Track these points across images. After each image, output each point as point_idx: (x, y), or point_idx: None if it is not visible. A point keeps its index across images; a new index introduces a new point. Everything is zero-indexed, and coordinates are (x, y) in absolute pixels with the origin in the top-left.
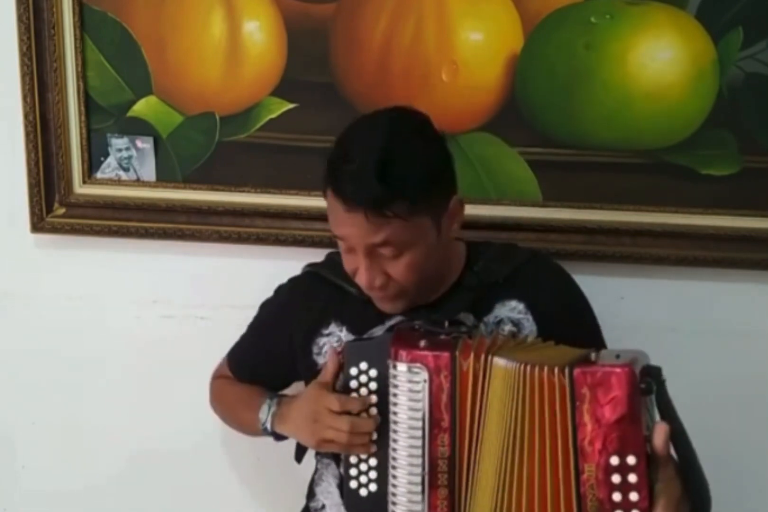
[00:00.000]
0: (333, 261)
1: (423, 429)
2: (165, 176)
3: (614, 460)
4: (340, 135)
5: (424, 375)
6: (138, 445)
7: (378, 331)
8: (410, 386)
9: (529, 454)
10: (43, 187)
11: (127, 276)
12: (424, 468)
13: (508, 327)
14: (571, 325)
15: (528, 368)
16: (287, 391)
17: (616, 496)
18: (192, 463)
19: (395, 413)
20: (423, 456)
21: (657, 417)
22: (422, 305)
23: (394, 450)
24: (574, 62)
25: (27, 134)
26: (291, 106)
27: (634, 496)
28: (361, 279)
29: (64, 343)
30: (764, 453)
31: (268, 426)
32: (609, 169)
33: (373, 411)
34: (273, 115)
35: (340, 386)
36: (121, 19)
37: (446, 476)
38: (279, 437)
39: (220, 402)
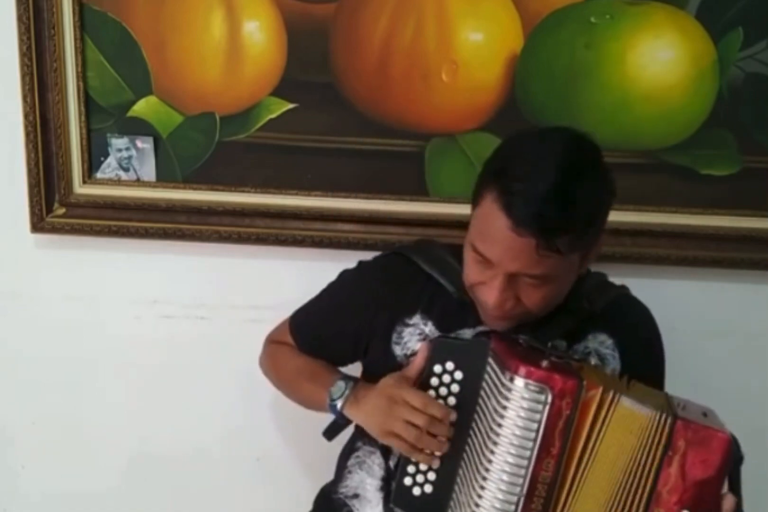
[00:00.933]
0: (428, 249)
1: (532, 450)
2: (165, 176)
3: None
4: (508, 145)
5: (548, 397)
6: (138, 445)
7: (466, 334)
8: (524, 403)
9: (611, 483)
10: (43, 187)
11: (127, 276)
12: (522, 489)
13: (594, 360)
14: (648, 372)
15: (628, 404)
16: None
17: None
18: (192, 463)
19: (499, 425)
20: (525, 476)
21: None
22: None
23: (489, 461)
24: (574, 62)
25: (27, 134)
26: (291, 106)
27: None
28: (489, 299)
29: (64, 343)
30: (764, 452)
31: (339, 404)
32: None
33: (451, 406)
34: (273, 115)
35: (421, 381)
36: (121, 19)
37: (542, 501)
38: (342, 418)
39: (278, 368)
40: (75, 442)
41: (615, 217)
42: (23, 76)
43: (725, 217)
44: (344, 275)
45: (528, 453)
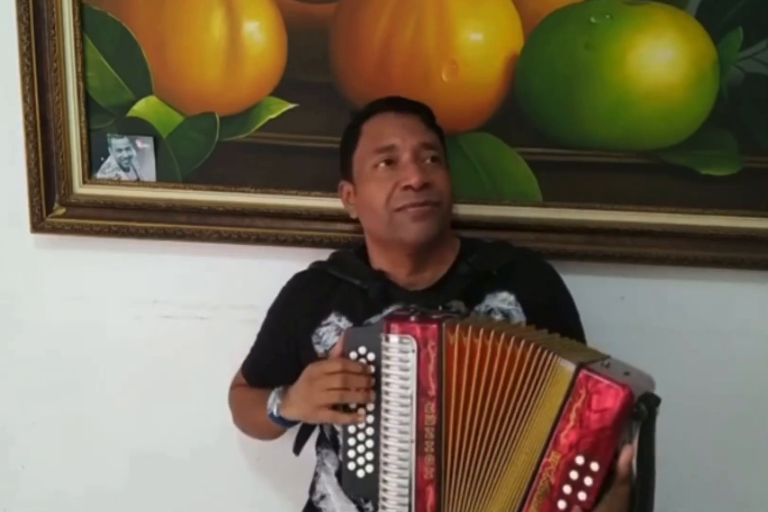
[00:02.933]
0: (337, 259)
1: (411, 397)
2: (165, 176)
3: (579, 459)
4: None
5: (413, 344)
6: (138, 445)
7: (376, 320)
8: (400, 356)
9: (508, 426)
10: (43, 187)
11: (127, 276)
12: (412, 435)
13: (498, 317)
14: (557, 318)
15: (535, 349)
16: None
17: (567, 489)
18: (192, 463)
19: (387, 383)
20: (411, 423)
21: (636, 439)
22: (416, 291)
23: (386, 419)
24: (574, 62)
25: (27, 134)
26: (291, 106)
27: (582, 495)
28: (412, 177)
29: (64, 343)
30: (764, 452)
31: (274, 410)
32: (609, 169)
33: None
34: (273, 115)
35: None
36: (121, 19)
37: (433, 443)
38: (286, 423)
39: (237, 410)
40: (75, 442)
41: (615, 217)
42: (23, 76)
43: (725, 217)
44: (269, 310)
45: (408, 400)
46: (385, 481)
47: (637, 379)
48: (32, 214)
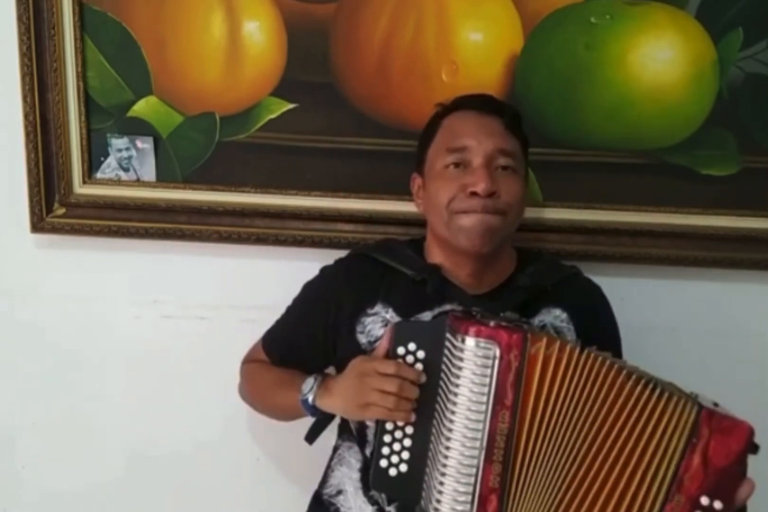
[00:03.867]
0: (387, 246)
1: (487, 403)
2: (165, 176)
3: (704, 500)
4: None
5: (496, 351)
6: (138, 445)
7: (426, 316)
8: (477, 360)
9: (614, 462)
10: (43, 187)
11: (127, 276)
12: (482, 442)
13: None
14: (603, 342)
15: (650, 386)
16: None
17: None
18: (192, 463)
19: (457, 385)
20: (483, 430)
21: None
22: (473, 295)
23: (451, 421)
24: (574, 62)
25: (27, 134)
26: (291, 106)
27: None
28: (479, 184)
29: (64, 343)
30: (763, 453)
31: (310, 397)
32: (609, 169)
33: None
34: (273, 115)
35: None
36: (121, 19)
37: (502, 452)
38: (317, 413)
39: (252, 384)
40: (75, 442)
41: (615, 217)
42: (23, 76)
43: (725, 217)
44: (306, 285)
45: (483, 407)
46: (441, 484)
47: (726, 409)
48: (32, 214)
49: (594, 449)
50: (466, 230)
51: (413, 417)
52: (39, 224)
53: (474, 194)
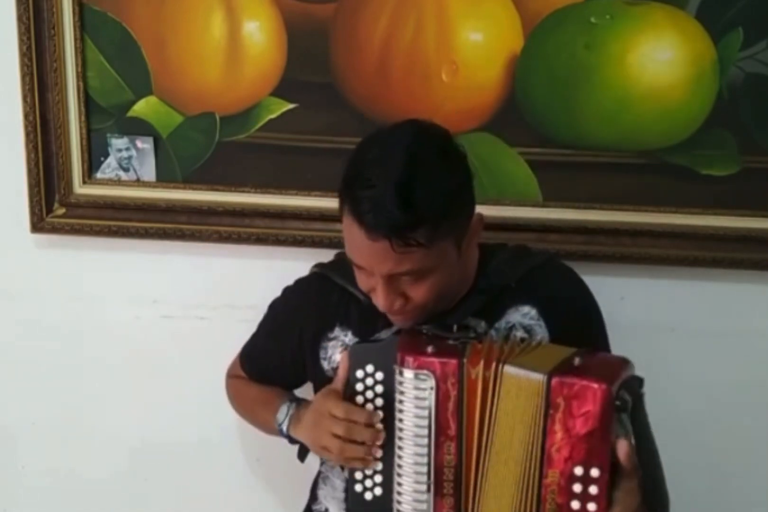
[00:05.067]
0: (342, 263)
1: (429, 436)
2: (165, 176)
3: (578, 470)
4: (356, 151)
5: (431, 382)
6: (138, 445)
7: (384, 335)
8: (416, 393)
9: (507, 457)
10: (43, 187)
11: (127, 276)
12: (429, 477)
13: (519, 333)
14: (582, 333)
15: (501, 369)
16: (300, 391)
17: (575, 504)
18: (192, 464)
19: (401, 420)
20: (429, 464)
21: (630, 429)
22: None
23: (400, 457)
24: (574, 62)
25: (27, 134)
26: (291, 106)
27: (592, 506)
28: (379, 302)
29: (64, 343)
30: (763, 452)
31: (284, 428)
32: (609, 169)
33: (378, 424)
34: (273, 115)
35: (347, 389)
36: (121, 19)
37: (452, 485)
38: (293, 440)
39: (238, 401)
40: (75, 442)
41: (615, 217)
42: (23, 76)
43: (725, 217)
44: (272, 305)
45: (425, 440)
46: None
47: (612, 366)
48: (32, 214)
49: (503, 451)
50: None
51: (372, 466)
52: (39, 224)
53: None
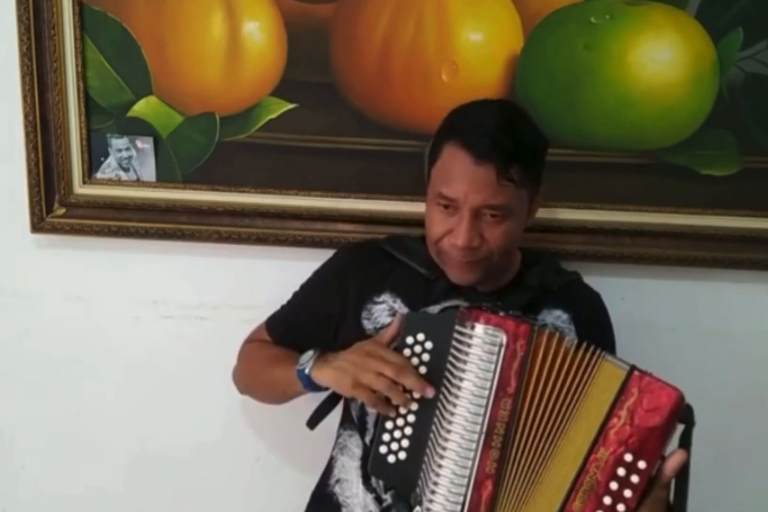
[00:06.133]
0: (401, 242)
1: (490, 389)
2: (165, 176)
3: (628, 457)
4: (452, 113)
5: (503, 339)
6: (138, 445)
7: (434, 310)
8: (484, 347)
9: (568, 429)
10: (43, 187)
11: (127, 276)
12: (482, 428)
13: None
14: (599, 343)
15: (596, 358)
16: None
17: (613, 485)
18: (192, 463)
19: (463, 370)
20: (484, 415)
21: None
22: (484, 292)
23: (455, 405)
24: (574, 62)
25: (27, 134)
26: (291, 106)
27: (627, 493)
28: (459, 239)
29: (63, 343)
30: (763, 452)
31: (307, 368)
32: (609, 169)
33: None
34: (273, 115)
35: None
36: (121, 19)
37: (501, 439)
38: (310, 385)
39: (248, 360)
40: (75, 442)
41: (615, 217)
42: (23, 76)
43: (725, 217)
44: (318, 269)
45: (486, 392)
46: (440, 466)
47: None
48: (32, 214)
49: (552, 420)
50: (450, 268)
51: (393, 413)
52: (39, 224)
53: (455, 245)
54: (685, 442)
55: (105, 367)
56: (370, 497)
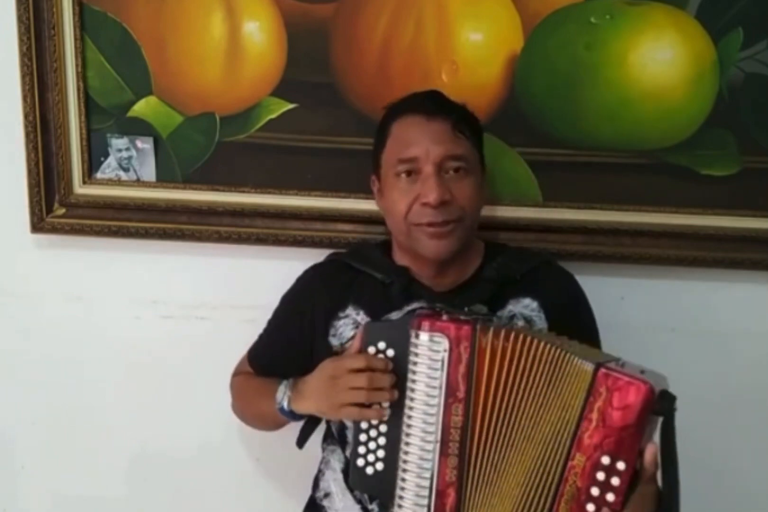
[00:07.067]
0: (358, 251)
1: (439, 396)
2: (165, 176)
3: (605, 459)
4: (386, 106)
5: (445, 344)
6: (138, 445)
7: (395, 316)
8: (430, 354)
9: (525, 428)
10: (43, 187)
11: (127, 277)
12: (437, 436)
13: (520, 323)
14: (576, 325)
15: (557, 351)
16: None
17: (594, 491)
18: (192, 463)
19: (414, 381)
20: (437, 423)
21: (656, 439)
22: (440, 292)
23: (410, 417)
24: (575, 62)
25: (27, 134)
26: (291, 106)
27: (610, 497)
28: (429, 196)
29: (63, 343)
30: (763, 452)
31: (285, 404)
32: (609, 169)
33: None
34: (273, 115)
35: None
36: (121, 19)
37: (458, 445)
38: (296, 417)
39: (239, 397)
40: (75, 442)
41: (615, 217)
42: (23, 76)
43: (725, 217)
44: (283, 295)
45: (436, 400)
46: (403, 480)
47: (652, 377)
48: (32, 214)
49: (516, 423)
50: (425, 240)
51: (387, 414)
52: (39, 224)
53: (427, 204)
54: (666, 434)
55: (105, 367)
56: (357, 508)
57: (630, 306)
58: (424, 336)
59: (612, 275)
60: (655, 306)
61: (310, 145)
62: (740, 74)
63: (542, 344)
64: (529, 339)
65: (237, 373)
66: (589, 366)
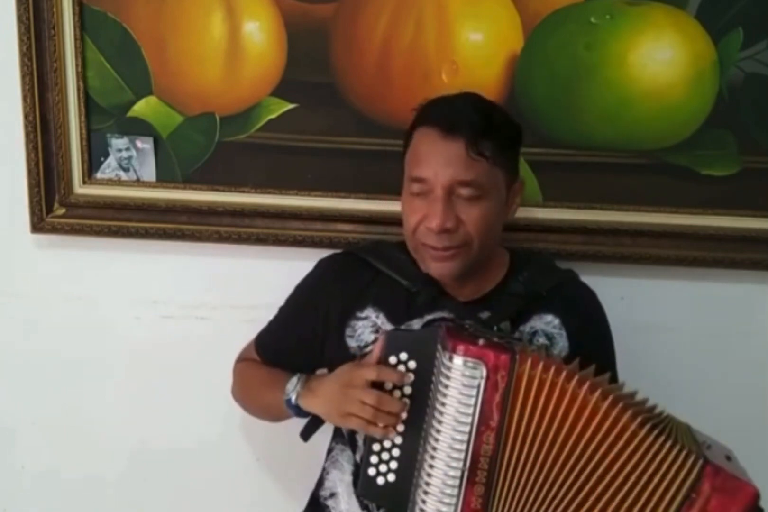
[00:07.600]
0: (380, 251)
1: (471, 424)
2: (165, 176)
3: None
4: (422, 104)
5: (482, 371)
6: (138, 445)
7: (416, 324)
8: (464, 380)
9: (604, 498)
10: (43, 187)
11: (127, 277)
12: (465, 463)
13: (542, 340)
14: (595, 350)
15: (654, 432)
16: None
17: None
18: (192, 463)
19: (443, 404)
20: (467, 450)
21: None
22: (464, 302)
23: (436, 440)
24: (575, 62)
25: (27, 134)
26: (291, 106)
27: None
28: (434, 221)
29: (63, 343)
30: (763, 452)
31: (293, 397)
32: (609, 169)
33: (406, 395)
34: (273, 115)
35: None
36: (121, 19)
37: (485, 474)
38: (300, 413)
39: (242, 383)
40: (75, 442)
41: (615, 217)
42: (23, 76)
43: (725, 217)
44: (299, 283)
45: (467, 427)
46: (424, 502)
47: (737, 464)
48: (32, 214)
49: (581, 479)
50: (428, 261)
51: (392, 433)
52: (39, 224)
53: (430, 229)
54: None
55: (105, 367)
56: None
57: (630, 306)
58: (458, 360)
59: (612, 275)
60: (655, 306)
61: (310, 145)
62: (740, 74)
63: (593, 390)
64: (574, 378)
65: (242, 359)
66: (697, 460)
